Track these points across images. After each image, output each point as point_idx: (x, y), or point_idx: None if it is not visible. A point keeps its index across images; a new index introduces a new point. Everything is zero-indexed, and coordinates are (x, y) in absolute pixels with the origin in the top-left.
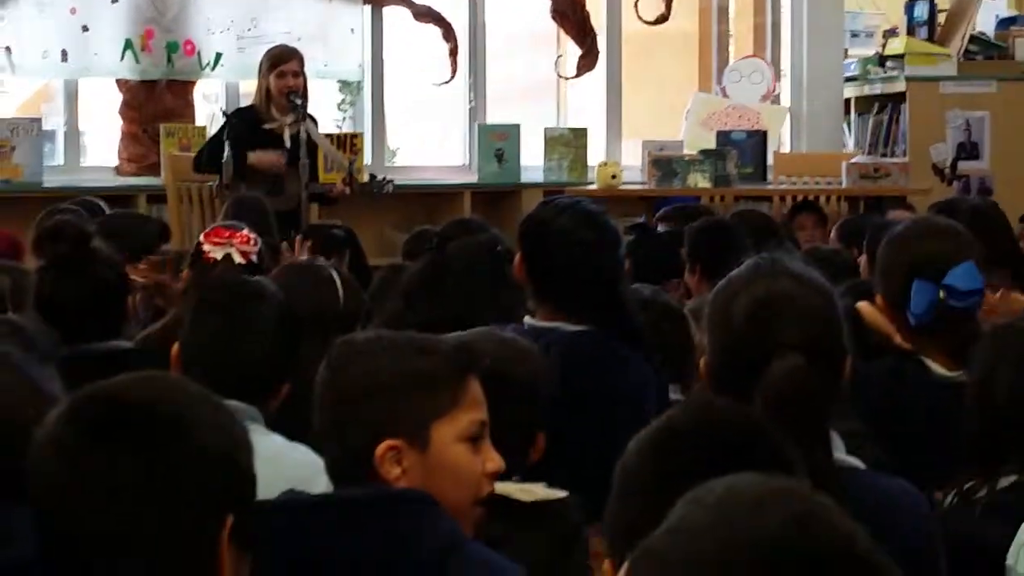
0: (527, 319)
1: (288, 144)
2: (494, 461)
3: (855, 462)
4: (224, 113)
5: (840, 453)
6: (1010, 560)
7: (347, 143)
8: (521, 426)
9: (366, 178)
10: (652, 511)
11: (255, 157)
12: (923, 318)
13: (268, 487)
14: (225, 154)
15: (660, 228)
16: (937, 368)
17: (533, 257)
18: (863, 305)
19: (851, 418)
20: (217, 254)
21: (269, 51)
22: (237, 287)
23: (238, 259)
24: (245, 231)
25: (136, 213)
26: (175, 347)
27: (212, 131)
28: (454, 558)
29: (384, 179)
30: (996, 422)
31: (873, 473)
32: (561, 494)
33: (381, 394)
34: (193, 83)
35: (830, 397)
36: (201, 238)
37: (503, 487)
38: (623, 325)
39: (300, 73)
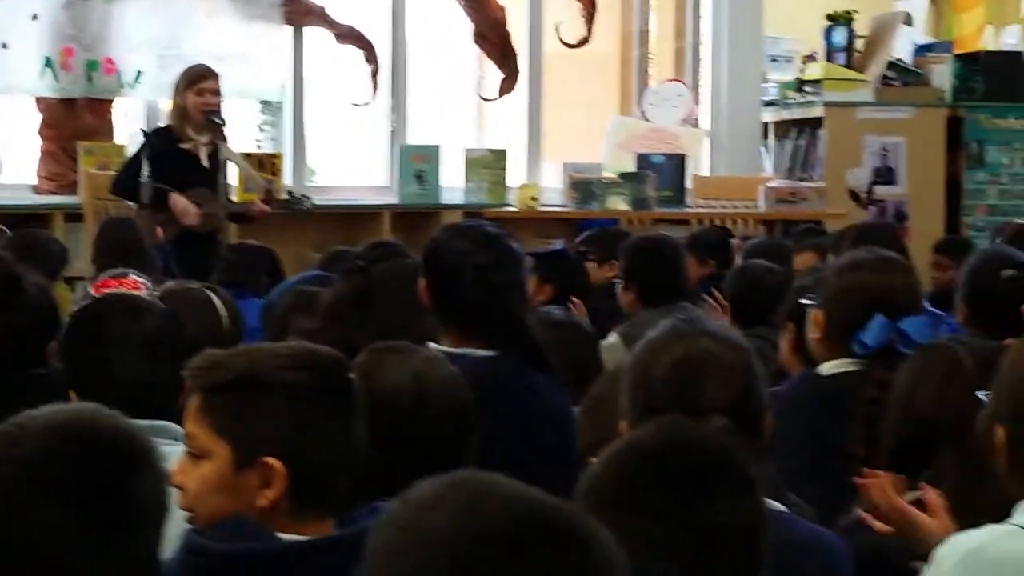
0: (432, 345)
1: (206, 163)
2: None
3: (776, 506)
4: (144, 132)
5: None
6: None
7: (267, 163)
8: None
9: (285, 196)
10: (616, 529)
11: (174, 199)
12: (868, 349)
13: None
14: (143, 174)
15: (582, 250)
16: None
17: (434, 281)
18: None
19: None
20: None
21: (187, 69)
22: (114, 304)
23: None
24: (132, 277)
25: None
26: None
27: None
28: None
29: (303, 195)
30: (917, 433)
31: (795, 518)
32: None
33: None
34: (111, 101)
35: (754, 455)
36: (92, 290)
37: None
38: (528, 349)
39: (219, 92)
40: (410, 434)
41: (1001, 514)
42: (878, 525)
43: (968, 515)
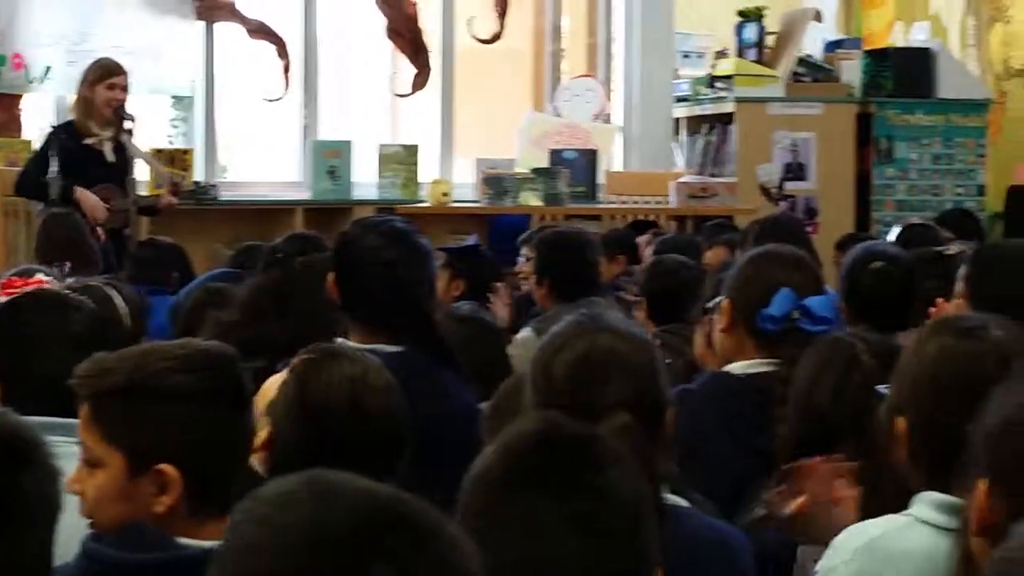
0: (340, 341)
1: (111, 158)
2: None
3: (680, 502)
4: (52, 127)
5: (666, 493)
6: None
7: (178, 159)
8: None
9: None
10: (507, 509)
11: (81, 194)
12: (773, 323)
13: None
14: (51, 170)
15: (524, 251)
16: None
17: (343, 276)
18: None
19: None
20: None
21: (98, 62)
22: (42, 299)
23: None
24: (39, 275)
25: None
26: None
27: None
28: None
29: (210, 185)
30: (818, 426)
31: (697, 514)
32: None
33: None
34: (20, 96)
35: (658, 451)
36: None
37: None
38: (435, 345)
39: (127, 89)
40: (344, 441)
41: (901, 507)
42: (795, 505)
43: (869, 508)
